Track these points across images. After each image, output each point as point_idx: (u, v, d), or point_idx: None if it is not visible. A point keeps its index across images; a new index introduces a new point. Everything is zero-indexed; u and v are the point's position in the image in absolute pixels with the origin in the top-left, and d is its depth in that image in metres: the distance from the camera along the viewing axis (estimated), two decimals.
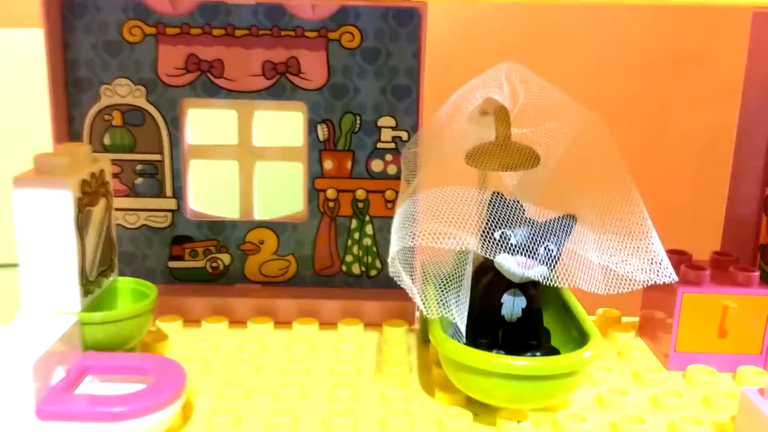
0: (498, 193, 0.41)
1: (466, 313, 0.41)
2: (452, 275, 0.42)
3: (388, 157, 0.55)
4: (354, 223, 0.56)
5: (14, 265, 0.43)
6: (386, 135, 0.54)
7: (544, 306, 0.45)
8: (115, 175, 0.55)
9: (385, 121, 0.54)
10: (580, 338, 0.43)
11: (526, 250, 0.40)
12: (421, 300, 0.41)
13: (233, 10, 0.52)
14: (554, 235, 0.41)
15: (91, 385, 0.42)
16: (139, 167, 0.55)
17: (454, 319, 0.41)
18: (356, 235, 0.56)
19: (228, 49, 0.53)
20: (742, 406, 0.39)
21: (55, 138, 0.52)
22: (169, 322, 0.53)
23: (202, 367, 0.47)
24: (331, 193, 0.55)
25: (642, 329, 0.53)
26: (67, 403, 0.38)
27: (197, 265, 0.57)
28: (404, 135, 0.54)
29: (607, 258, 0.41)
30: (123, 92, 0.53)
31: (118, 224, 0.55)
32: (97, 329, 0.44)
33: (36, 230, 0.42)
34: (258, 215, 0.57)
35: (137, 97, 0.54)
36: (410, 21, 0.52)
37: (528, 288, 0.42)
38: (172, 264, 0.57)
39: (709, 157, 0.77)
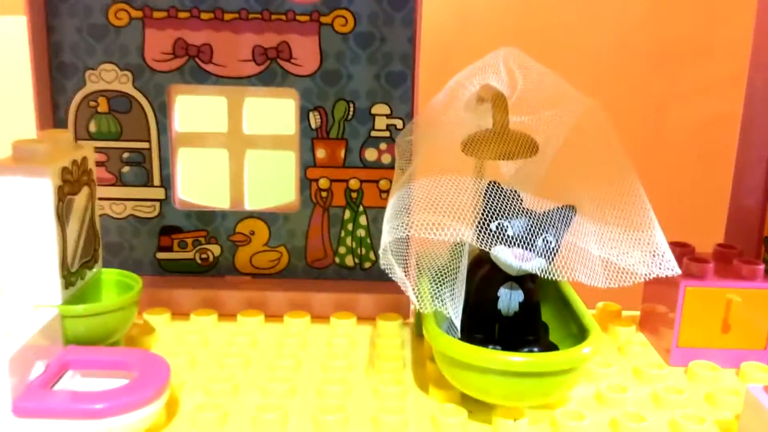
0: (495, 183, 0.40)
1: (461, 308, 0.39)
2: (447, 268, 0.41)
3: (383, 145, 0.53)
4: (347, 214, 0.54)
5: None
6: (380, 123, 0.53)
7: (542, 300, 0.43)
8: (101, 164, 0.53)
9: (380, 108, 0.53)
10: (579, 333, 0.41)
11: (524, 242, 0.39)
12: (414, 294, 0.40)
13: None
14: (553, 227, 0.39)
15: (71, 381, 0.40)
16: (125, 155, 0.53)
17: (449, 313, 0.39)
18: (350, 226, 0.55)
19: (217, 34, 0.51)
20: (747, 404, 0.37)
21: (38, 125, 0.51)
22: (156, 314, 0.52)
23: (189, 361, 0.46)
24: (323, 183, 0.54)
25: (643, 323, 0.52)
26: (45, 399, 0.37)
27: (186, 256, 0.55)
28: (399, 123, 0.53)
29: (608, 250, 0.39)
30: (109, 78, 0.52)
31: (104, 214, 0.54)
32: (78, 322, 0.43)
33: (14, 220, 0.41)
34: (249, 205, 0.55)
35: (124, 83, 0.52)
36: (405, 4, 0.51)
37: (525, 281, 0.41)
38: (161, 255, 0.55)
39: (713, 147, 0.75)
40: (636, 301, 0.53)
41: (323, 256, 0.55)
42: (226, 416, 0.40)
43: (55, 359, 0.40)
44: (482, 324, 0.41)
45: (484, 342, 0.40)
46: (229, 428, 0.39)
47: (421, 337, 0.48)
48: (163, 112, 0.53)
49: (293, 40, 0.51)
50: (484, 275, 0.41)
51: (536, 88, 0.44)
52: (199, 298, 0.54)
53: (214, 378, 0.44)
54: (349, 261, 0.55)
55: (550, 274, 0.39)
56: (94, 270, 0.47)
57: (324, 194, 0.54)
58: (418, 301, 0.40)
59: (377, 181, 0.54)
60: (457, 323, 0.39)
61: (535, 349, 0.40)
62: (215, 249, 0.55)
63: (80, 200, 0.44)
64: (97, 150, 0.53)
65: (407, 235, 0.39)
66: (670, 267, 0.39)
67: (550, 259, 0.39)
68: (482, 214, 0.39)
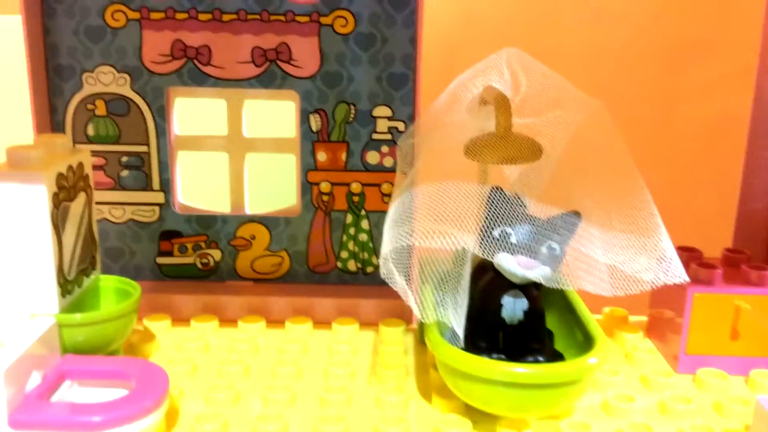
0: (498, 188, 0.39)
1: (464, 316, 0.39)
2: (449, 275, 0.40)
3: (384, 148, 0.52)
4: (349, 218, 0.54)
5: None
6: (382, 125, 0.52)
7: (547, 307, 0.43)
8: (99, 168, 0.52)
9: (381, 110, 0.52)
10: (585, 341, 0.41)
11: (528, 249, 0.38)
12: (416, 303, 0.39)
13: None
14: (557, 233, 0.38)
15: (69, 392, 0.40)
16: (124, 159, 0.53)
17: (452, 323, 0.39)
18: (351, 231, 0.54)
19: (215, 35, 0.50)
20: (757, 416, 0.36)
21: (36, 129, 0.50)
22: (156, 321, 0.51)
23: (190, 369, 0.45)
24: (325, 187, 0.53)
25: (650, 329, 0.51)
26: (42, 411, 0.36)
27: (186, 261, 0.55)
28: (401, 125, 0.52)
29: (614, 257, 0.38)
30: (106, 80, 0.51)
31: (103, 219, 0.53)
32: (76, 331, 0.42)
33: (9, 227, 0.40)
34: (249, 209, 0.55)
35: (121, 86, 0.51)
36: (406, 5, 0.50)
37: (530, 289, 0.40)
38: (161, 260, 0.55)
39: (721, 149, 0.74)
40: (643, 305, 0.52)
41: (325, 260, 0.55)
42: (226, 426, 0.39)
43: (52, 369, 0.39)
44: (486, 332, 0.41)
45: (488, 350, 0.40)
46: None
47: (424, 343, 0.47)
48: (161, 114, 0.52)
49: (293, 41, 0.51)
50: (487, 283, 0.41)
51: (540, 90, 0.44)
52: (200, 303, 0.53)
53: (215, 386, 0.43)
54: (352, 266, 0.55)
55: (554, 282, 0.38)
56: (92, 277, 0.46)
57: (325, 198, 0.53)
58: (420, 310, 0.39)
59: (379, 185, 0.53)
60: (460, 332, 0.39)
61: (540, 359, 0.40)
62: (216, 254, 0.54)
63: (76, 206, 0.43)
64: (96, 154, 0.52)
65: (408, 244, 0.38)
66: (678, 274, 0.38)
67: (555, 266, 0.38)
68: (485, 221, 0.39)
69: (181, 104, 0.53)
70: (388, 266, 0.39)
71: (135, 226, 0.54)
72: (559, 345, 0.43)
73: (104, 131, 0.52)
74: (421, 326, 0.49)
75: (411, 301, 0.39)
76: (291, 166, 0.54)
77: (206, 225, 0.54)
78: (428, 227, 0.37)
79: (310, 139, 0.52)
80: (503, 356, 0.40)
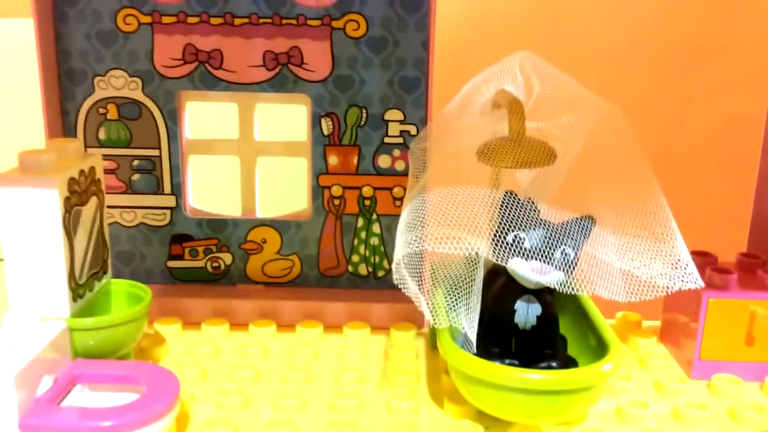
0: (511, 193, 0.39)
1: (476, 321, 0.38)
2: (462, 280, 0.40)
3: (396, 152, 0.52)
4: (360, 222, 0.53)
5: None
6: (394, 129, 0.52)
7: (560, 311, 0.42)
8: (111, 171, 0.52)
9: (393, 114, 0.51)
10: (599, 346, 0.40)
11: (541, 255, 0.38)
12: (429, 308, 0.39)
13: None
14: (571, 238, 0.38)
15: (80, 396, 0.40)
16: (135, 163, 0.53)
17: (464, 328, 0.38)
18: (363, 234, 0.54)
19: (227, 39, 0.50)
20: None
21: (48, 133, 0.50)
22: (167, 324, 0.51)
23: (200, 373, 0.45)
24: (336, 190, 0.53)
25: (664, 334, 0.50)
26: (52, 416, 0.36)
27: (197, 264, 0.55)
28: (413, 129, 0.52)
29: (629, 262, 0.38)
30: (118, 84, 0.51)
31: (114, 222, 0.53)
32: (88, 335, 0.42)
33: (21, 232, 0.40)
34: (260, 213, 0.55)
35: (133, 90, 0.51)
36: (419, 8, 0.50)
37: (543, 294, 0.40)
38: (172, 264, 0.55)
39: (735, 151, 0.74)
40: (656, 310, 0.51)
41: (336, 264, 0.54)
42: (236, 431, 0.39)
43: (63, 374, 0.39)
44: (499, 337, 0.40)
45: (500, 356, 0.39)
46: None
47: (436, 348, 0.47)
48: (173, 118, 0.52)
49: (305, 44, 0.50)
50: (500, 288, 0.40)
51: (553, 93, 0.43)
52: (211, 307, 0.53)
53: (225, 391, 0.43)
54: (363, 270, 0.54)
55: (568, 287, 0.38)
56: (104, 281, 0.46)
57: (337, 202, 0.53)
58: (432, 315, 0.39)
59: (391, 189, 0.53)
60: (473, 337, 0.38)
61: (554, 364, 0.39)
62: (227, 257, 0.54)
63: (88, 210, 0.43)
64: (107, 158, 0.52)
65: (421, 249, 0.38)
66: (694, 279, 0.38)
67: (569, 272, 0.38)
68: (498, 226, 0.38)
69: (192, 108, 0.53)
70: (400, 271, 0.38)
71: (146, 229, 0.54)
72: (572, 350, 0.42)
73: (116, 135, 0.52)
74: (433, 331, 0.48)
75: (423, 305, 0.38)
76: (302, 169, 0.53)
77: (217, 229, 0.54)
78: (441, 232, 0.37)
79: (322, 143, 0.52)
80: (516, 362, 0.39)
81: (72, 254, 0.42)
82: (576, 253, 0.38)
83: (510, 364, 0.39)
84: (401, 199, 0.52)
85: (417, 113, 0.51)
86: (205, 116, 0.54)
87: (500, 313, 0.40)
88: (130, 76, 0.51)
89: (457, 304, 0.39)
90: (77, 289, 0.42)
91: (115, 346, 0.43)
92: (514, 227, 0.38)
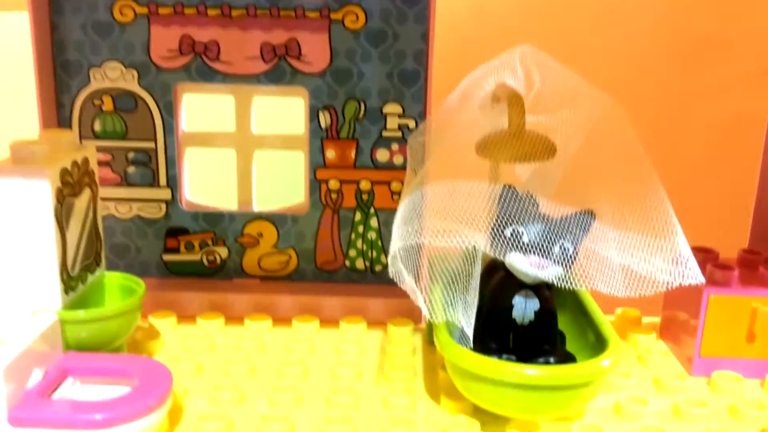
0: (510, 187, 0.38)
1: (473, 316, 0.38)
2: (459, 274, 0.39)
3: (394, 146, 0.52)
4: (358, 216, 0.53)
5: None
6: (392, 123, 0.51)
7: (559, 307, 0.42)
8: (106, 164, 0.52)
9: (391, 107, 0.51)
10: (598, 343, 0.40)
11: (540, 249, 0.37)
12: (425, 303, 0.38)
13: None
14: (571, 233, 0.37)
15: (71, 389, 0.39)
16: (131, 155, 0.52)
17: (461, 322, 0.38)
18: (360, 229, 0.53)
19: (224, 31, 0.50)
20: None
21: (42, 125, 0.50)
22: (162, 318, 0.51)
23: (195, 367, 0.45)
24: (333, 184, 0.52)
25: (664, 331, 0.50)
26: (43, 408, 0.35)
27: (193, 258, 0.54)
28: (411, 123, 0.51)
29: (629, 257, 0.37)
30: (114, 76, 0.51)
31: (109, 215, 0.53)
32: (80, 328, 0.41)
33: (12, 223, 0.39)
34: (257, 206, 0.54)
35: (129, 81, 0.51)
36: (418, 1, 0.49)
37: (541, 289, 0.39)
38: (167, 257, 0.54)
39: (737, 148, 0.73)
40: (656, 306, 0.51)
41: (333, 258, 0.54)
42: (231, 426, 0.39)
43: (54, 366, 0.39)
44: (496, 332, 0.40)
45: (498, 351, 0.39)
46: None
47: (433, 343, 0.46)
48: (169, 111, 0.51)
49: (302, 37, 0.50)
50: (498, 282, 0.40)
51: (554, 87, 0.43)
52: (206, 300, 0.52)
53: (220, 386, 0.42)
54: (360, 264, 0.54)
55: (567, 282, 0.37)
56: (96, 273, 0.46)
57: (334, 196, 0.53)
58: (429, 309, 0.39)
59: (389, 183, 0.52)
60: (470, 332, 0.38)
61: (552, 360, 0.39)
62: (222, 251, 0.54)
63: (81, 202, 0.43)
64: (102, 150, 0.51)
65: (418, 242, 0.37)
66: (694, 275, 0.37)
67: (568, 266, 0.37)
68: (497, 220, 0.38)
69: (188, 100, 0.52)
70: (396, 264, 0.38)
71: (141, 222, 0.53)
72: (571, 347, 0.42)
73: (111, 127, 0.52)
74: (430, 326, 0.48)
75: (420, 300, 0.38)
76: (299, 163, 0.53)
77: (213, 222, 0.53)
78: (438, 225, 0.37)
79: (319, 136, 0.52)
80: (513, 357, 0.39)
81: (64, 246, 0.41)
82: (575, 248, 0.37)
83: (507, 360, 0.38)
84: (399, 193, 0.52)
85: (416, 107, 0.51)
86: (201, 108, 0.54)
87: (498, 307, 0.40)
88: (126, 67, 0.51)
89: (454, 299, 0.39)
90: (69, 282, 0.42)
91: (107, 339, 0.43)
92: (513, 221, 0.38)
